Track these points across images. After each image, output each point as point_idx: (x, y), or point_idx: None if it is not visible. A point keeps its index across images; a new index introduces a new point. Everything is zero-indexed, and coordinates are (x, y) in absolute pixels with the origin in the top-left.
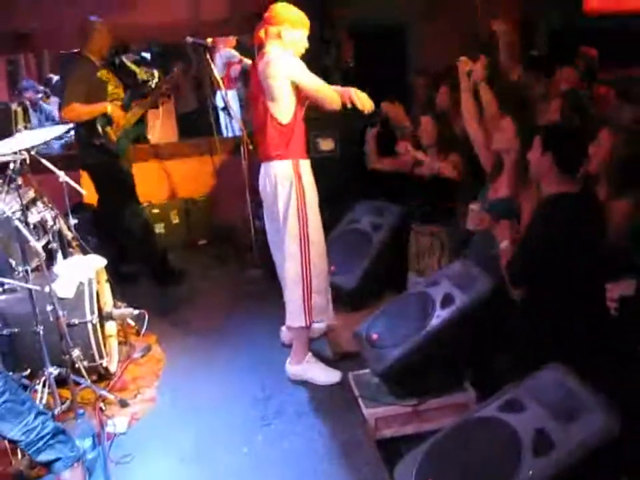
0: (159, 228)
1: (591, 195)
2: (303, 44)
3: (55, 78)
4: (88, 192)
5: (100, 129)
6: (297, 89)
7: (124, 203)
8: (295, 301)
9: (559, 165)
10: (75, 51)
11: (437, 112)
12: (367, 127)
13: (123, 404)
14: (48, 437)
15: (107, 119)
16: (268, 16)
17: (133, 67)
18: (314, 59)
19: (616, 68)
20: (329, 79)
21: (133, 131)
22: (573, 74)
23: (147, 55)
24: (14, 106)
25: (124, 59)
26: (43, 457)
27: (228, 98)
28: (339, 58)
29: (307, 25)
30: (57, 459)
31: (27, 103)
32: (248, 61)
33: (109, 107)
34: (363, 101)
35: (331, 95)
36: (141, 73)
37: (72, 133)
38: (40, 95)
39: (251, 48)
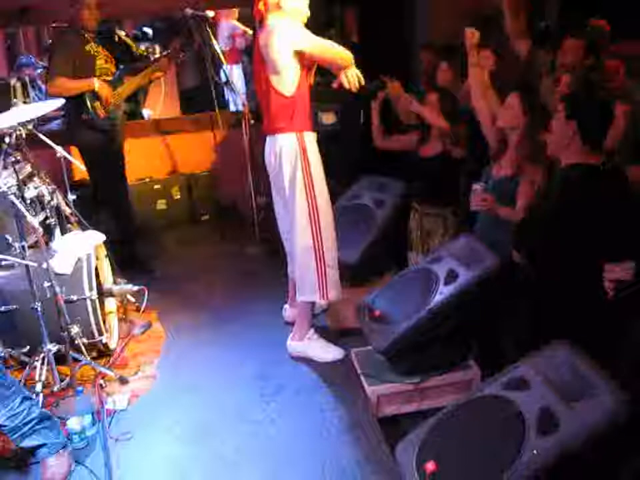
0: (161, 204)
1: (617, 169)
2: (305, 11)
3: None
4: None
5: (88, 104)
6: (301, 58)
7: (110, 180)
8: (309, 275)
9: (582, 134)
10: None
11: (439, 88)
12: (370, 100)
13: (123, 381)
14: (34, 422)
15: (96, 95)
16: None
17: (128, 40)
18: (317, 35)
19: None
20: None
21: (124, 107)
22: (578, 46)
23: (149, 30)
24: (13, 81)
25: (118, 31)
26: (28, 442)
27: (231, 72)
28: (342, 34)
29: None
30: (42, 445)
31: (26, 78)
32: (250, 32)
33: (96, 83)
34: (352, 80)
35: (340, 53)
36: (137, 48)
37: None
38: (39, 71)
39: (253, 20)
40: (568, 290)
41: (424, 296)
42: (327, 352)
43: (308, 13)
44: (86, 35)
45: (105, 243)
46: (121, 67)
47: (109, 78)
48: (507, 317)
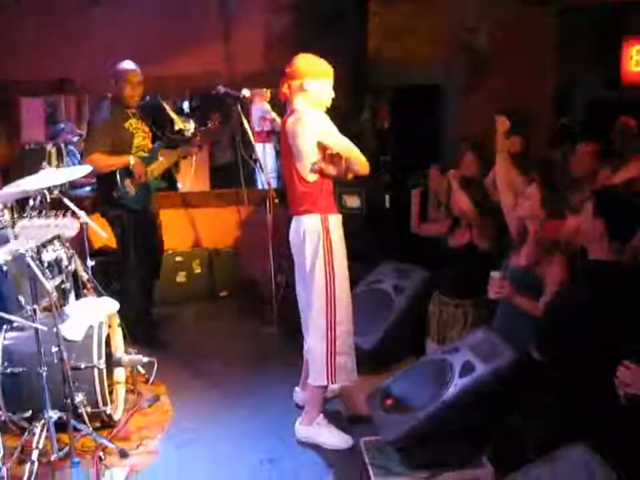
0: (181, 276)
1: None
2: (328, 93)
3: None
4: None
5: (119, 181)
6: (323, 150)
7: (138, 255)
8: (318, 358)
9: (610, 231)
10: (109, 95)
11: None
12: (412, 188)
13: (123, 454)
14: None
15: (128, 172)
16: (289, 70)
17: (173, 115)
18: (348, 121)
19: None
20: (363, 142)
21: (156, 184)
22: (593, 151)
23: (185, 106)
24: (49, 147)
25: (165, 104)
26: None
27: (263, 150)
28: (373, 120)
29: (330, 74)
30: None
31: (62, 144)
32: (278, 121)
33: (132, 160)
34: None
35: (360, 158)
36: (179, 122)
37: None
38: (75, 139)
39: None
40: (591, 389)
41: (438, 387)
42: (335, 439)
43: (332, 94)
44: (128, 111)
45: (119, 312)
46: (157, 143)
47: (145, 155)
48: (523, 414)
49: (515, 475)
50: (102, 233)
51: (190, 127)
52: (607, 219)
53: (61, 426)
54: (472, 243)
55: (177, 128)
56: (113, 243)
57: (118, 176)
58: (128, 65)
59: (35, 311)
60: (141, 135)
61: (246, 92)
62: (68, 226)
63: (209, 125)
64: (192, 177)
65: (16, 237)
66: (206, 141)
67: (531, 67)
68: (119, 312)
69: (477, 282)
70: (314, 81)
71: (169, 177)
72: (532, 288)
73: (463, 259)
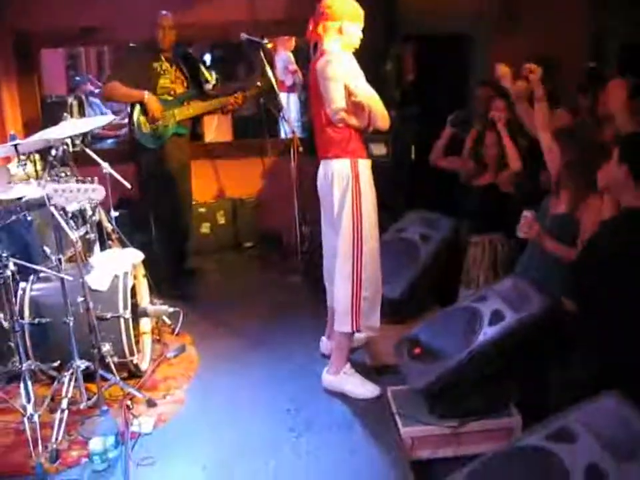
0: (205, 227)
1: None
2: (359, 37)
3: None
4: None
5: (135, 116)
6: (348, 96)
7: (161, 200)
8: (344, 303)
9: (636, 177)
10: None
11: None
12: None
13: (151, 404)
14: None
15: (144, 109)
16: (327, 11)
17: (201, 66)
18: (372, 69)
19: None
20: (387, 91)
21: (177, 128)
22: (622, 87)
23: (207, 58)
24: (70, 99)
25: (193, 54)
26: None
27: (287, 100)
28: (399, 71)
29: (362, 18)
30: None
31: (83, 97)
32: (300, 74)
33: (146, 95)
34: None
35: (383, 112)
36: (205, 73)
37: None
38: (96, 91)
39: (308, 50)
40: (624, 338)
41: (467, 336)
42: (362, 388)
43: (361, 37)
44: (161, 54)
45: (144, 261)
46: (189, 91)
47: (170, 98)
48: (553, 363)
49: (545, 423)
50: (126, 183)
51: (213, 79)
52: (630, 165)
53: (89, 375)
54: (495, 184)
55: (202, 79)
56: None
57: (135, 112)
58: (163, 12)
59: (60, 260)
60: (169, 77)
61: (266, 41)
62: (99, 191)
63: (254, 87)
64: (215, 127)
65: (42, 186)
66: (246, 101)
67: (562, 13)
68: (145, 263)
69: (502, 218)
70: (352, 23)
71: (193, 126)
72: (568, 236)
73: (489, 198)
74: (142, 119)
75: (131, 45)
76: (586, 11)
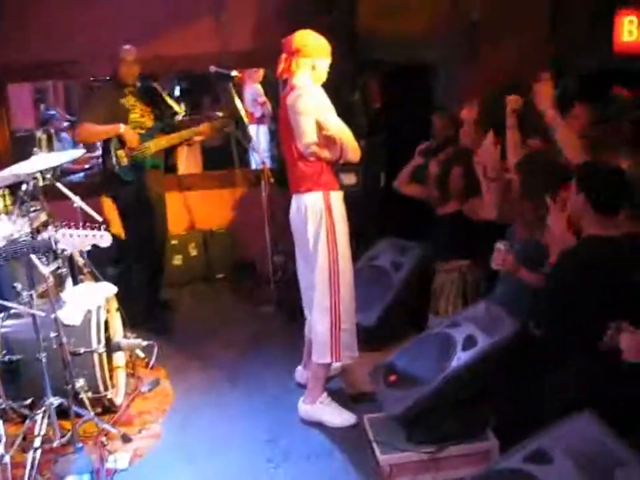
0: (177, 259)
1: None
2: (326, 72)
3: None
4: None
5: (112, 150)
6: (319, 129)
7: (140, 232)
8: (323, 335)
9: (593, 206)
10: (107, 78)
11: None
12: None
13: (126, 439)
14: None
15: (120, 142)
16: (302, 49)
17: (167, 98)
18: (339, 100)
19: None
20: (355, 121)
21: (152, 161)
22: (584, 112)
23: (176, 90)
24: (39, 133)
25: (158, 87)
26: None
27: (256, 131)
28: (366, 100)
29: (330, 52)
30: None
31: (52, 130)
32: (269, 105)
33: (122, 128)
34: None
35: (353, 144)
36: (174, 105)
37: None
38: (65, 124)
39: (276, 82)
40: (589, 360)
41: (441, 362)
42: (339, 417)
43: (328, 70)
44: (125, 89)
45: (116, 295)
46: (158, 123)
47: (142, 132)
48: (527, 385)
49: (521, 446)
50: (97, 217)
51: (182, 110)
52: (586, 194)
53: (62, 412)
54: (460, 211)
55: (172, 111)
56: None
57: (111, 145)
58: (125, 45)
59: (32, 296)
60: (138, 112)
61: (235, 73)
62: (106, 237)
63: (219, 120)
64: (185, 159)
65: (13, 221)
66: (215, 132)
67: (524, 43)
68: (118, 296)
69: (469, 245)
70: (323, 59)
71: (166, 158)
72: (538, 260)
73: (456, 225)
74: (120, 152)
75: (96, 85)
76: (546, 41)
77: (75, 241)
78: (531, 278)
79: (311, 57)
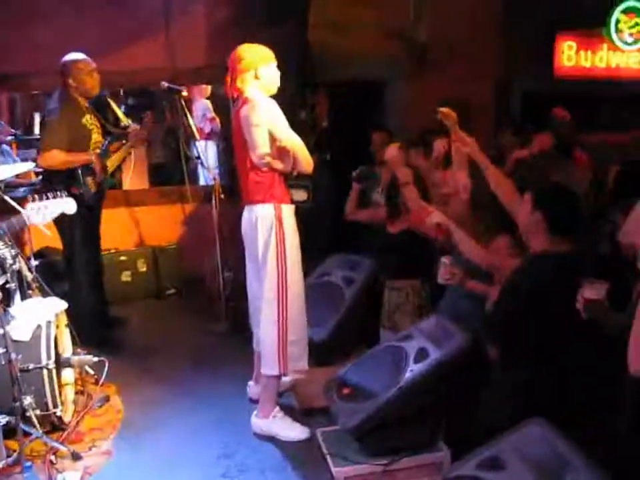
0: (126, 276)
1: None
2: (276, 76)
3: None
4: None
5: (81, 178)
6: (272, 141)
7: (87, 251)
8: (270, 347)
9: (549, 225)
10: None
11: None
12: (352, 181)
13: (76, 457)
14: None
15: (89, 169)
16: (239, 66)
17: (118, 112)
18: (288, 118)
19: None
20: (303, 138)
21: (109, 181)
22: (547, 140)
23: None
24: None
25: (110, 101)
26: None
27: (205, 147)
28: (313, 118)
29: (274, 57)
30: None
31: None
32: (217, 121)
33: (94, 157)
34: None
35: (306, 155)
36: (124, 118)
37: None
38: (9, 138)
39: (225, 97)
40: (541, 371)
41: (394, 374)
42: (292, 431)
43: (278, 84)
44: (83, 107)
45: (66, 311)
46: (107, 139)
47: (99, 151)
48: (478, 396)
49: (474, 454)
50: (46, 232)
51: (130, 123)
52: (544, 213)
53: (9, 431)
54: (410, 229)
55: (122, 124)
56: (57, 243)
57: (80, 173)
58: (80, 55)
59: None
60: (96, 131)
61: (183, 89)
62: (70, 203)
63: (147, 119)
64: (130, 174)
65: None
66: (147, 138)
67: (471, 61)
68: (68, 312)
69: (421, 262)
70: (266, 66)
71: (115, 178)
72: (486, 275)
73: (406, 243)
74: (89, 180)
75: (52, 107)
76: (492, 60)
77: (44, 212)
78: (480, 288)
79: (252, 68)
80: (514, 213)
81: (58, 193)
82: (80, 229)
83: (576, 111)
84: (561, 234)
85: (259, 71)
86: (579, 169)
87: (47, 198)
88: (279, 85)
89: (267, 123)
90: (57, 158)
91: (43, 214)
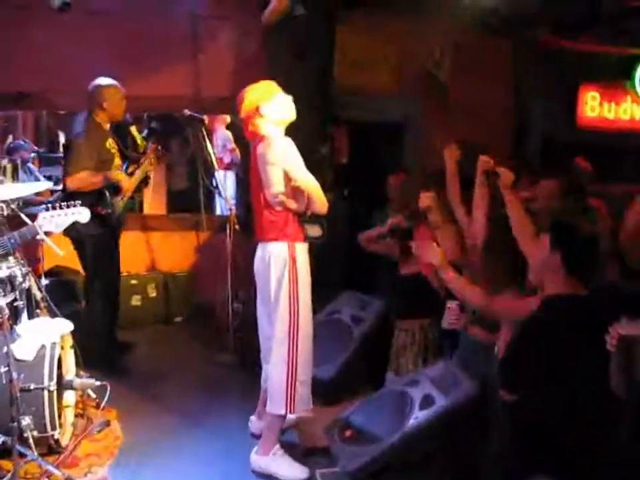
0: (136, 300)
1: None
2: (288, 106)
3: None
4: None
5: (108, 198)
6: (287, 180)
7: (108, 272)
8: (279, 387)
9: (568, 266)
10: (86, 112)
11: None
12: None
13: None
14: None
15: (115, 190)
16: (242, 109)
17: (138, 137)
18: (308, 153)
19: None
20: (322, 173)
21: (130, 202)
22: (554, 186)
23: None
24: (4, 162)
25: (132, 126)
26: None
27: (224, 177)
28: (332, 154)
29: (277, 87)
30: None
31: (18, 161)
32: (238, 152)
33: (122, 176)
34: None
35: (320, 196)
36: (142, 144)
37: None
38: (32, 155)
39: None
40: (554, 422)
41: (398, 420)
42: (291, 470)
43: (292, 105)
44: (106, 131)
45: (75, 332)
46: (126, 162)
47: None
48: (483, 447)
49: None
50: (58, 251)
51: (144, 145)
52: (563, 253)
53: (4, 451)
54: (421, 272)
55: (139, 148)
56: (67, 262)
57: (107, 193)
58: (112, 81)
59: None
60: (117, 154)
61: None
62: (83, 212)
63: (147, 153)
64: (149, 199)
65: None
66: (157, 162)
67: (491, 104)
68: (75, 334)
69: (430, 304)
70: (268, 102)
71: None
72: (492, 323)
73: (416, 285)
74: (116, 200)
75: (79, 130)
76: (512, 103)
77: (57, 220)
78: (483, 336)
79: (253, 108)
80: (529, 254)
81: (72, 203)
82: (102, 251)
83: (598, 161)
84: (578, 276)
85: (261, 110)
86: (600, 218)
87: (60, 208)
88: (291, 112)
89: (283, 162)
90: (86, 179)
91: (56, 222)
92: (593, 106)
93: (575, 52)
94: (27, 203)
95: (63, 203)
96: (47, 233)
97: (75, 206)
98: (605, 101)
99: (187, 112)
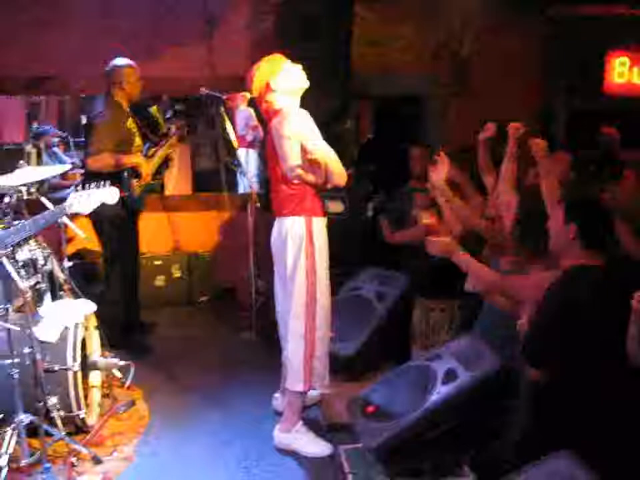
0: (160, 280)
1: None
2: (297, 75)
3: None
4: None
5: (126, 180)
6: (303, 153)
7: (127, 254)
8: (295, 363)
9: (582, 238)
10: (104, 93)
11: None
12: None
13: (97, 461)
14: None
15: (135, 172)
16: (253, 87)
17: (159, 118)
18: (330, 127)
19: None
20: (345, 149)
21: (152, 185)
22: (565, 159)
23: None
24: (28, 147)
25: (153, 107)
26: None
27: (246, 155)
28: (357, 130)
29: (282, 58)
30: None
31: (41, 145)
32: (260, 133)
33: (141, 160)
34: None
35: (339, 168)
36: (163, 125)
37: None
38: (56, 140)
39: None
40: (578, 396)
41: (421, 395)
42: (314, 446)
43: (303, 73)
44: (126, 111)
45: (98, 313)
46: (147, 143)
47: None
48: (507, 422)
49: None
50: (80, 234)
51: (170, 129)
52: (578, 225)
53: (32, 430)
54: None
55: (161, 130)
56: (92, 245)
57: (126, 176)
58: (129, 61)
59: (7, 310)
60: (137, 135)
61: (225, 96)
62: (113, 193)
63: (170, 133)
64: (174, 180)
65: None
66: (178, 143)
67: (515, 76)
68: (99, 315)
69: (457, 285)
70: (276, 75)
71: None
72: None
73: (445, 263)
74: (134, 182)
75: (99, 110)
76: (536, 77)
77: (87, 200)
78: (504, 304)
79: (263, 84)
80: (550, 224)
81: (102, 182)
82: (120, 232)
83: (627, 128)
84: (594, 248)
85: (271, 84)
86: (626, 186)
87: (90, 187)
88: (302, 80)
89: (298, 135)
90: (106, 160)
91: (86, 202)
92: (622, 72)
93: (600, 19)
94: (53, 187)
95: (92, 184)
96: (76, 215)
97: (104, 185)
98: (635, 67)
99: (204, 90)
